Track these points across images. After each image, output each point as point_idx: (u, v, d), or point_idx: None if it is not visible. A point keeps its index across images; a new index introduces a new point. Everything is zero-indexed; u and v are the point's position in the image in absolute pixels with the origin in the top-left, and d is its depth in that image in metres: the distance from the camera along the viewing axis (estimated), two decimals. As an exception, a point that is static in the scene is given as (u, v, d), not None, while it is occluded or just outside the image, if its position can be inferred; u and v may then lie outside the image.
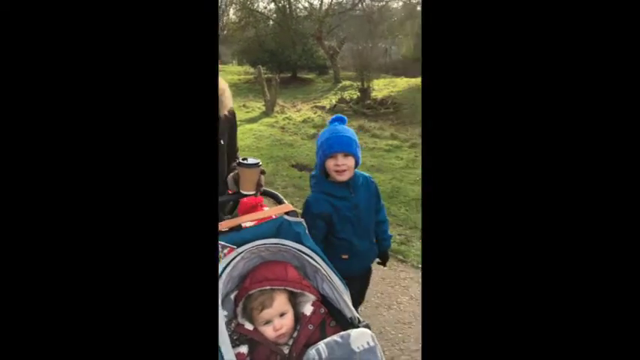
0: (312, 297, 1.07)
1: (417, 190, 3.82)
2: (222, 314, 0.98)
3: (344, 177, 1.43)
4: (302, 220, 1.21)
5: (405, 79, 11.43)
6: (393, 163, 4.87)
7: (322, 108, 9.03)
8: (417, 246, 2.84)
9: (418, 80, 10.85)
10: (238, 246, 1.13)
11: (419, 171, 4.40)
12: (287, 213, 1.23)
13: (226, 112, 1.41)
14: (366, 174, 1.57)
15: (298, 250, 1.14)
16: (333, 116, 1.53)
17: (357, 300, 1.67)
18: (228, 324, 1.01)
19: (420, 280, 2.44)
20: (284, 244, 1.14)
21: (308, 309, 1.04)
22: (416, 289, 2.39)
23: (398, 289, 2.43)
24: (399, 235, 3.00)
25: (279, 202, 1.31)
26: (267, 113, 8.06)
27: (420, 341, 1.91)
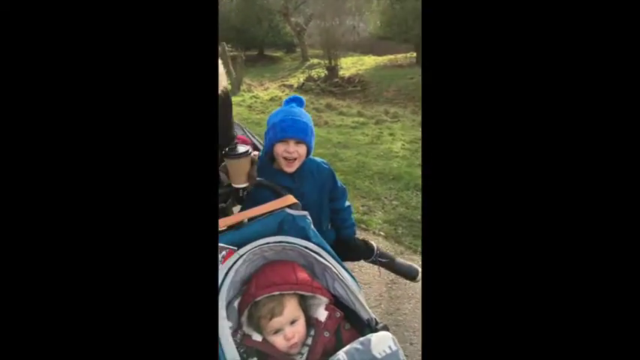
0: (324, 299, 0.96)
1: (380, 164, 4.03)
2: (227, 325, 0.86)
3: (292, 168, 1.30)
4: (306, 213, 1.10)
5: (373, 57, 11.35)
6: (358, 140, 4.96)
7: (290, 86, 8.81)
8: (378, 215, 3.05)
9: (385, 58, 10.82)
10: (238, 247, 1.00)
11: (383, 146, 4.69)
12: (289, 206, 1.10)
13: (219, 92, 1.22)
14: (320, 159, 1.44)
15: (304, 247, 1.02)
16: (290, 96, 1.38)
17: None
18: (233, 335, 0.89)
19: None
20: (289, 242, 1.02)
21: (322, 314, 0.94)
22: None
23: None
24: (362, 206, 3.18)
25: (277, 194, 1.18)
26: (233, 92, 7.76)
27: (379, 301, 2.01)
